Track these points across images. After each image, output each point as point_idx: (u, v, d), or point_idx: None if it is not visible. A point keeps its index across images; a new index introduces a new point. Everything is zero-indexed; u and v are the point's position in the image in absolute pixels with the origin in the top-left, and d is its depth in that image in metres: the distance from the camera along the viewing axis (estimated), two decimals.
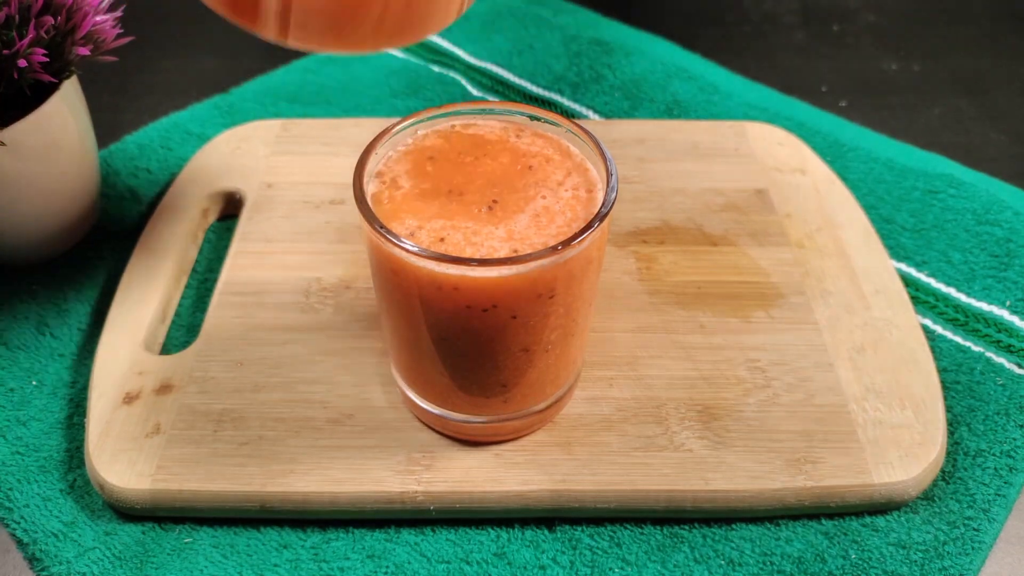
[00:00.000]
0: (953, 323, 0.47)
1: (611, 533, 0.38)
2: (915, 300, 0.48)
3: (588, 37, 0.69)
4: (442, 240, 0.33)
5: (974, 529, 0.38)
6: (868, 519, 0.39)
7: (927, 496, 0.39)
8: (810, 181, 0.53)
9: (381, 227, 0.32)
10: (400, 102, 0.63)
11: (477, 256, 0.32)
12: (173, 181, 0.53)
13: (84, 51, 0.45)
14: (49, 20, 0.43)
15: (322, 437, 0.39)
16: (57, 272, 0.49)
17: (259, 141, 0.56)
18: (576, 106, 0.63)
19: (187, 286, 0.49)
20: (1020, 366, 0.45)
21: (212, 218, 0.53)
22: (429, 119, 0.37)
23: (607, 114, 0.62)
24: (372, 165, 0.36)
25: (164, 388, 0.41)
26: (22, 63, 0.42)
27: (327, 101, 0.63)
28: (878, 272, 0.48)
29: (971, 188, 0.54)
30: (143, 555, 0.37)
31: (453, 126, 0.38)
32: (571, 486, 0.38)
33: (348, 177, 0.34)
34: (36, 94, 0.45)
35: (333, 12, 0.27)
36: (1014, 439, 0.41)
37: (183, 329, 0.47)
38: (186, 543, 0.37)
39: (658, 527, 0.38)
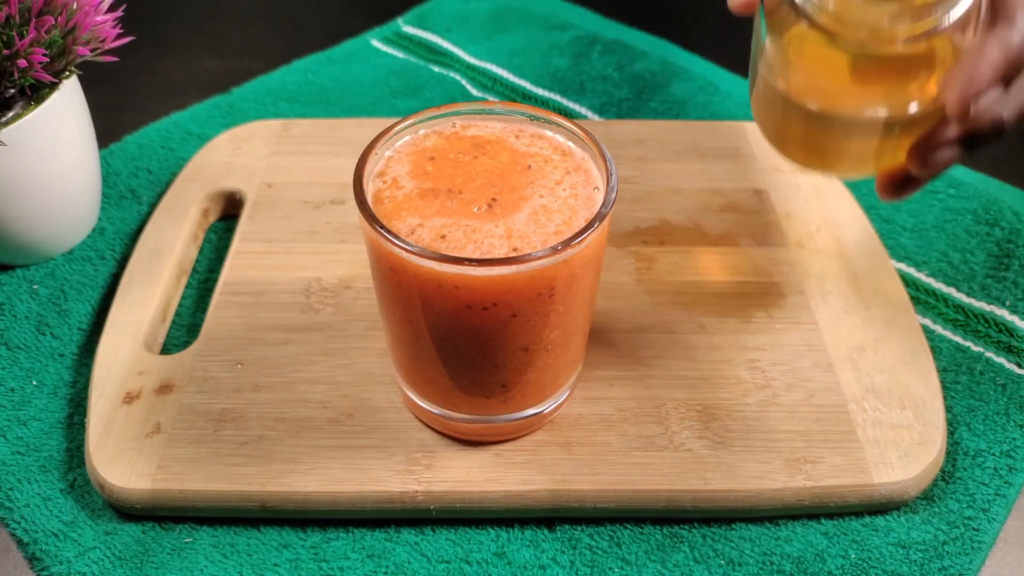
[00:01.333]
0: (953, 323, 0.47)
1: (611, 533, 0.38)
2: (915, 300, 0.48)
3: (588, 37, 0.69)
4: (443, 238, 0.33)
5: (974, 529, 0.38)
6: (868, 519, 0.39)
7: (927, 496, 0.39)
8: (810, 181, 0.53)
9: (381, 227, 0.32)
10: (400, 102, 0.63)
11: (477, 253, 0.32)
12: (173, 181, 0.53)
13: (84, 51, 0.45)
14: (49, 20, 0.43)
15: (322, 437, 0.39)
16: (57, 272, 0.49)
17: (259, 141, 0.56)
18: (576, 106, 0.63)
19: (187, 286, 0.49)
20: (1020, 366, 0.45)
21: (212, 218, 0.53)
22: (429, 119, 0.37)
23: (607, 114, 0.62)
24: (372, 165, 0.36)
25: (164, 388, 0.41)
26: (22, 63, 0.42)
27: (327, 101, 0.63)
28: (878, 272, 0.48)
29: (971, 188, 0.54)
30: (143, 555, 0.37)
31: (453, 126, 0.38)
32: (571, 486, 0.38)
33: (348, 177, 0.34)
34: (36, 94, 0.45)
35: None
36: (1014, 439, 0.41)
37: (183, 329, 0.47)
38: (186, 543, 0.37)
39: (658, 527, 0.38)
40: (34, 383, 0.44)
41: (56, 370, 0.44)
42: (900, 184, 0.37)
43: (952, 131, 0.34)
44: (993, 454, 0.41)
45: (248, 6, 0.79)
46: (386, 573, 0.37)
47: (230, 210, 0.53)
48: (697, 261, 0.48)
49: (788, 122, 0.38)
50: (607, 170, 0.35)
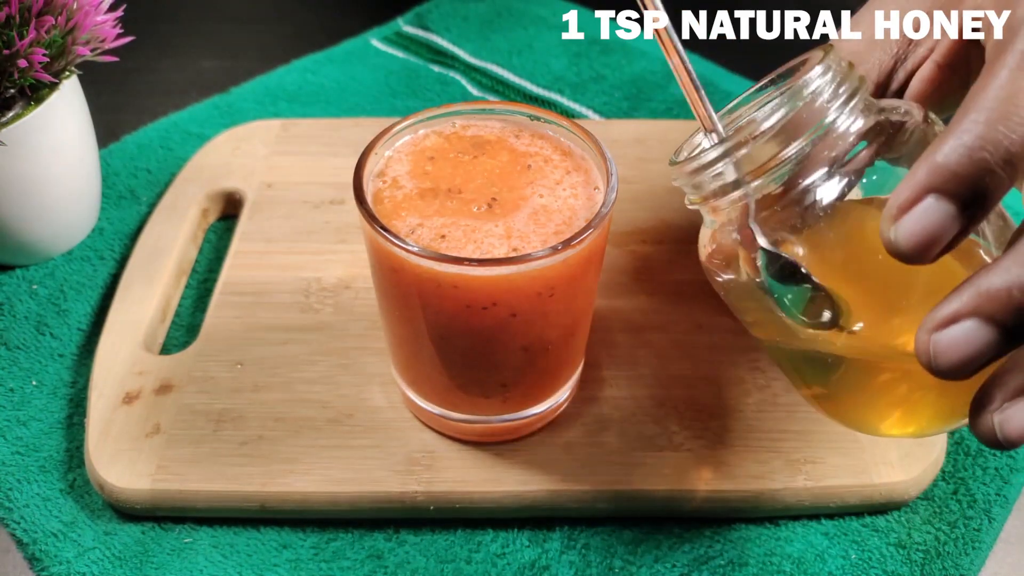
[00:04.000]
0: None
1: (611, 533, 0.38)
2: None
3: (588, 37, 0.69)
4: (443, 237, 0.33)
5: (974, 529, 0.38)
6: (868, 519, 0.39)
7: (927, 496, 0.39)
8: None
9: (381, 226, 0.32)
10: (400, 102, 0.63)
11: (477, 253, 0.32)
12: (173, 181, 0.53)
13: (84, 51, 0.45)
14: (49, 20, 0.43)
15: (322, 437, 0.39)
16: (57, 272, 0.49)
17: (259, 141, 0.56)
18: (576, 106, 0.63)
19: (187, 286, 0.49)
20: None
21: (212, 218, 0.53)
22: (429, 119, 0.37)
23: (607, 114, 0.62)
24: (372, 165, 0.36)
25: (164, 388, 0.41)
26: (22, 63, 0.42)
27: (327, 101, 0.63)
28: None
29: None
30: (143, 555, 0.37)
31: (453, 126, 0.38)
32: (571, 486, 0.38)
33: (348, 177, 0.34)
34: (36, 94, 0.45)
35: None
36: None
37: (183, 329, 0.47)
38: (186, 543, 0.37)
39: (658, 527, 0.38)
40: (34, 383, 0.44)
41: (56, 370, 0.44)
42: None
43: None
44: (993, 454, 0.41)
45: (248, 6, 0.79)
46: (386, 573, 0.37)
47: (230, 210, 0.53)
48: (696, 261, 0.48)
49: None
50: (607, 170, 0.35)
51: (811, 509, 0.38)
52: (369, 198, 0.34)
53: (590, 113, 0.62)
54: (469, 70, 0.66)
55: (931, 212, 0.25)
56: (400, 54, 0.68)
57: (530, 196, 0.35)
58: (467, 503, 0.38)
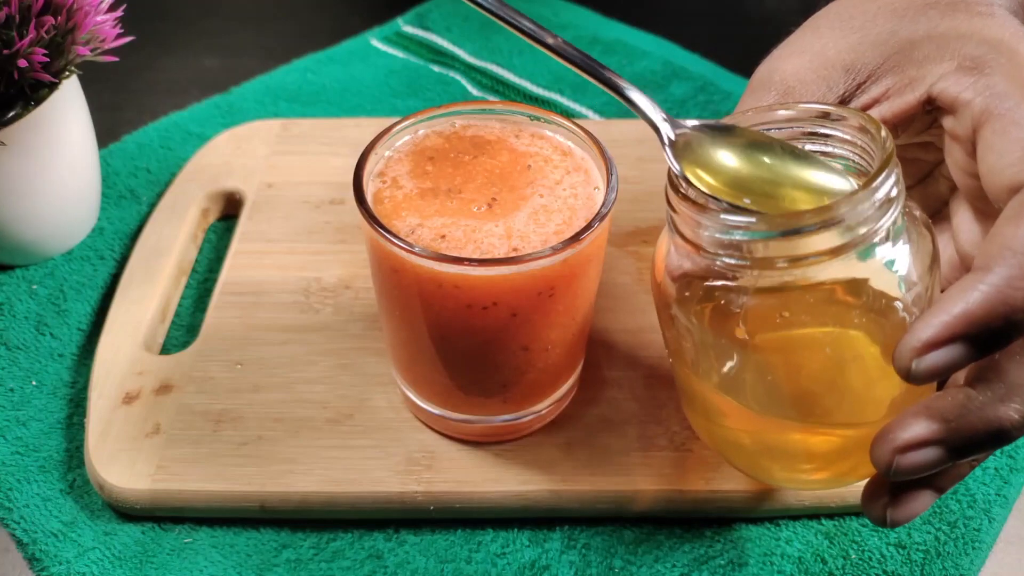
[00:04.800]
0: None
1: (611, 533, 0.38)
2: None
3: (588, 37, 0.69)
4: (443, 237, 0.33)
5: (974, 529, 0.38)
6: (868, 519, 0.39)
7: None
8: None
9: (381, 226, 0.32)
10: (400, 102, 0.63)
11: (477, 253, 0.32)
12: (173, 181, 0.53)
13: (84, 51, 0.45)
14: (49, 20, 0.43)
15: (321, 437, 0.39)
16: (56, 272, 0.49)
17: (259, 141, 0.56)
18: (576, 106, 0.63)
19: (187, 286, 0.49)
20: None
21: (212, 218, 0.53)
22: (429, 119, 0.37)
23: (607, 114, 0.62)
24: (372, 165, 0.36)
25: (164, 388, 0.41)
26: (22, 63, 0.42)
27: (327, 101, 0.63)
28: None
29: None
30: (143, 555, 0.37)
31: (453, 126, 0.38)
32: (571, 486, 0.38)
33: (348, 177, 0.34)
34: (36, 94, 0.45)
35: None
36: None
37: (183, 329, 0.47)
38: (186, 543, 0.37)
39: (658, 527, 0.38)
40: (33, 383, 0.44)
41: (55, 370, 0.44)
42: (892, 491, 0.30)
43: (921, 426, 0.27)
44: (993, 454, 0.41)
45: (248, 6, 0.79)
46: (386, 573, 0.37)
47: (230, 210, 0.53)
48: None
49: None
50: (607, 170, 0.35)
51: (811, 509, 0.38)
52: (369, 198, 0.34)
53: (590, 113, 0.62)
54: (469, 70, 0.66)
55: (955, 353, 0.26)
56: (400, 54, 0.68)
57: (530, 196, 0.35)
58: (467, 503, 0.38)
